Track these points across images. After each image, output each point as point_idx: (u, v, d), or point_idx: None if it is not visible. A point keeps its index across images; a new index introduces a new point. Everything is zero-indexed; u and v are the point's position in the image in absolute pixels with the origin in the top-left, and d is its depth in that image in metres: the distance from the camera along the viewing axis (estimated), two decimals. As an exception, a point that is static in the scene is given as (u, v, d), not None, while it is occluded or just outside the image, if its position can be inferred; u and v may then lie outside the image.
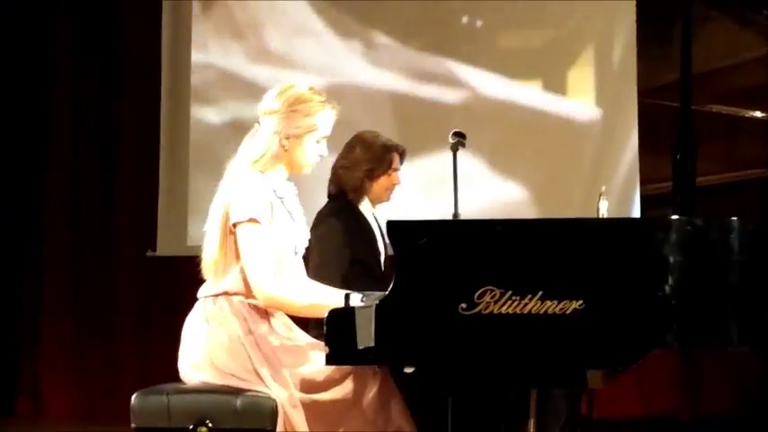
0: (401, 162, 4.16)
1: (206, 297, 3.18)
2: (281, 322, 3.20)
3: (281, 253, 3.18)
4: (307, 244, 3.32)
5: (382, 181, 4.10)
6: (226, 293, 3.15)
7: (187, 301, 3.27)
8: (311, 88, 3.25)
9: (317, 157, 3.26)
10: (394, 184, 4.12)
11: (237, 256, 3.13)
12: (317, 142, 3.23)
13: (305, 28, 6.15)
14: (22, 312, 6.51)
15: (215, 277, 3.17)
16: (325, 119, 3.22)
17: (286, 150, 3.20)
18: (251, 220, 3.08)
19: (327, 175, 4.12)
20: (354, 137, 4.14)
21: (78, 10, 6.50)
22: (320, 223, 3.99)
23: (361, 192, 4.07)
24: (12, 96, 6.46)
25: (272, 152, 3.19)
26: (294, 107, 3.18)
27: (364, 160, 4.06)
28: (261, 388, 3.02)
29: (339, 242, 3.93)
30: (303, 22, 6.15)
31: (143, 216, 6.31)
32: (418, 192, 5.54)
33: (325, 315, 2.79)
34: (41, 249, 6.51)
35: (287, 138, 3.19)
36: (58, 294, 6.49)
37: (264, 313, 3.15)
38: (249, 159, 3.19)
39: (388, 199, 4.15)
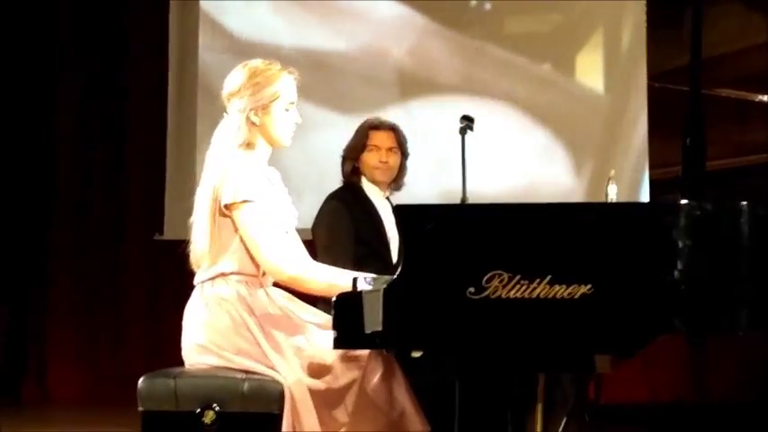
0: (400, 144, 4.11)
1: (203, 282, 3.16)
2: (279, 293, 3.19)
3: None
4: (296, 224, 3.29)
5: (366, 159, 4.08)
6: (222, 275, 3.13)
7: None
8: (263, 61, 3.25)
9: (294, 126, 3.24)
10: (381, 162, 4.07)
11: (232, 237, 3.10)
12: (287, 110, 3.21)
13: (311, 10, 6.15)
14: (30, 297, 6.52)
15: (209, 263, 3.14)
16: (286, 85, 3.21)
17: (257, 126, 3.18)
18: (246, 200, 3.06)
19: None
20: None
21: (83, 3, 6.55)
22: (324, 204, 4.06)
23: (351, 175, 4.09)
24: (20, 86, 6.47)
25: (244, 132, 3.16)
26: (254, 80, 3.18)
27: (349, 145, 4.11)
28: (266, 370, 3.02)
29: (343, 221, 3.96)
30: (306, 6, 6.16)
31: (152, 201, 6.32)
32: (427, 175, 5.53)
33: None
34: (49, 234, 6.52)
35: (255, 113, 3.17)
36: (65, 279, 6.50)
37: (259, 284, 3.14)
38: (227, 144, 3.16)
39: (383, 179, 4.09)
